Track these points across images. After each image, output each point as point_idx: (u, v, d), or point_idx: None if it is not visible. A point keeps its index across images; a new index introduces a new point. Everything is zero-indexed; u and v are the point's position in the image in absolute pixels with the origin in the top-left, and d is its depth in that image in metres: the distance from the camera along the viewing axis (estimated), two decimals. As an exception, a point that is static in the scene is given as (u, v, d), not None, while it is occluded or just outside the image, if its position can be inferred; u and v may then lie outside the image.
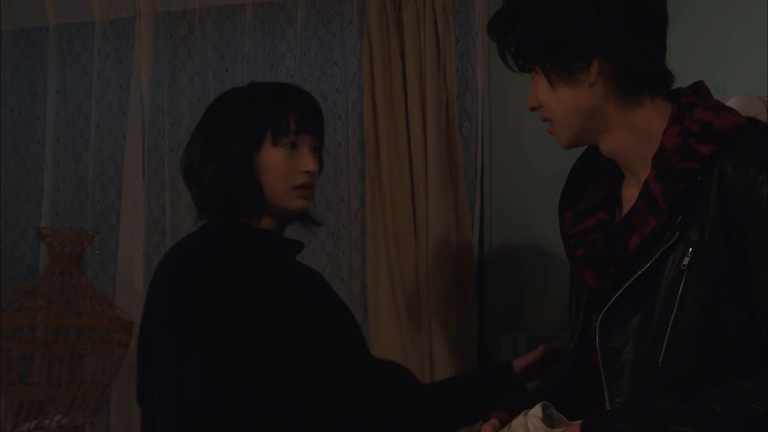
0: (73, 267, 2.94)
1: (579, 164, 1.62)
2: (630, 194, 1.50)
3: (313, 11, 3.00)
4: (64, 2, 3.27)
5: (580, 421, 1.39)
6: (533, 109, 1.53)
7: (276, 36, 3.05)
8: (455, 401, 1.81)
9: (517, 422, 1.45)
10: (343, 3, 2.96)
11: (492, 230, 2.85)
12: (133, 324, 3.05)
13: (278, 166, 1.77)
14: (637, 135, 1.47)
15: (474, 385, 1.86)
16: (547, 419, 1.43)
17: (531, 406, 1.46)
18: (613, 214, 1.54)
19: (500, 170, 2.86)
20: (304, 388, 1.61)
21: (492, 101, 2.84)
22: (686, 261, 1.38)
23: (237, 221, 1.76)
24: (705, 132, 1.41)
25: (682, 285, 1.38)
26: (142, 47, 3.17)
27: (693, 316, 1.37)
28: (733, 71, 2.44)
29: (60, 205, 3.25)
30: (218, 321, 1.60)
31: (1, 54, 3.34)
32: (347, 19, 2.96)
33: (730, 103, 2.21)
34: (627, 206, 1.50)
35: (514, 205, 2.83)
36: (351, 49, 2.94)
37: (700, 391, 1.33)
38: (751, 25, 2.49)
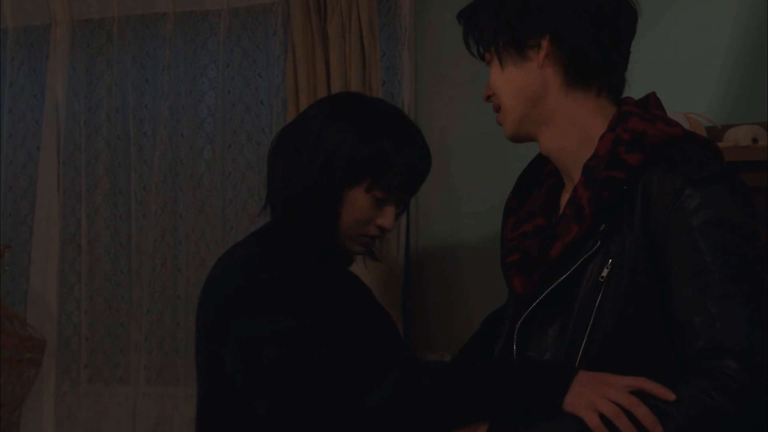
0: (-18, 284, 2.82)
1: (528, 170, 1.60)
2: (565, 200, 1.48)
3: (237, 21, 2.94)
4: (-25, 8, 3.16)
5: (486, 423, 1.37)
6: (488, 98, 1.52)
7: (198, 46, 2.99)
8: None
9: None
10: (267, 14, 2.91)
11: (418, 246, 2.82)
12: (45, 342, 2.95)
13: (359, 212, 1.65)
14: (576, 134, 1.45)
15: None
16: None
17: None
18: (550, 220, 1.52)
19: (426, 185, 2.83)
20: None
21: (418, 115, 2.82)
22: (605, 273, 1.36)
23: (299, 233, 1.65)
24: (636, 141, 1.39)
25: (599, 297, 1.36)
26: (57, 56, 3.08)
27: (609, 329, 1.35)
28: (661, 88, 2.45)
29: (-31, 218, 3.12)
30: (286, 324, 1.52)
31: None
32: (271, 30, 2.91)
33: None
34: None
35: (441, 221, 2.80)
36: (275, 61, 2.89)
37: None
38: (680, 42, 2.50)
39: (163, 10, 2.99)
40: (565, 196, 1.50)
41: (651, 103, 1.49)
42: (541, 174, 1.59)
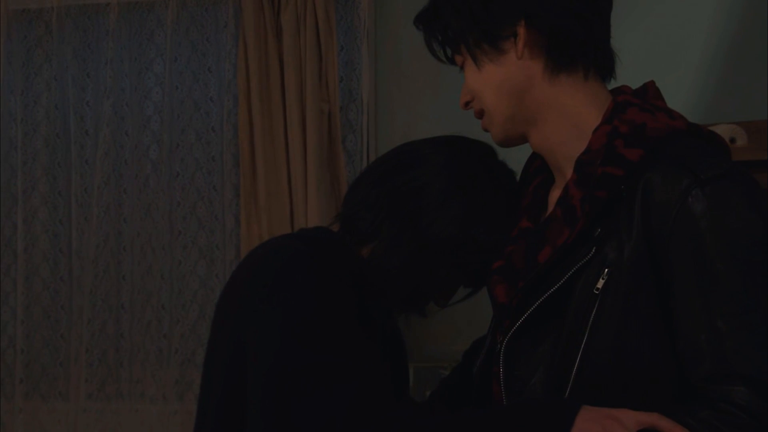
0: None
1: (522, 171, 1.48)
2: (555, 198, 1.35)
3: (185, 13, 2.87)
4: None
5: None
6: (466, 104, 1.41)
7: (144, 39, 2.92)
8: None
9: None
10: (218, 5, 2.85)
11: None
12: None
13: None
14: (568, 127, 1.33)
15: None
16: None
17: None
18: (537, 221, 1.39)
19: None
20: None
21: (378, 113, 2.77)
22: (600, 284, 1.23)
23: (347, 248, 1.50)
24: (635, 134, 1.26)
25: (594, 311, 1.23)
26: (-8, 48, 2.98)
27: (605, 348, 1.22)
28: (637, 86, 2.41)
29: None
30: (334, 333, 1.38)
31: None
32: (222, 23, 2.85)
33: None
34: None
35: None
36: (226, 55, 2.83)
37: None
38: (656, 40, 2.48)
39: (105, 0, 2.91)
40: (554, 194, 1.37)
41: (650, 93, 1.36)
42: (528, 172, 1.47)
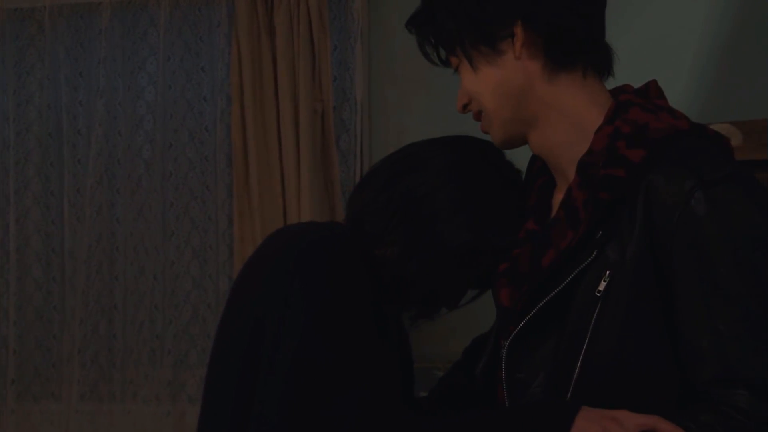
0: None
1: (527, 171, 1.46)
2: (558, 201, 1.34)
3: (178, 12, 2.86)
4: None
5: None
6: (464, 107, 1.38)
7: (137, 38, 2.92)
8: None
9: None
10: (211, 4, 2.84)
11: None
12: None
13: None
14: (569, 127, 1.31)
15: None
16: None
17: None
18: (543, 223, 1.37)
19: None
20: None
21: (372, 113, 2.77)
22: (602, 286, 1.22)
23: (364, 246, 1.48)
24: (637, 135, 1.24)
25: (596, 314, 1.22)
26: (-17, 48, 2.96)
27: (607, 350, 1.22)
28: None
29: None
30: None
31: None
32: (215, 22, 2.85)
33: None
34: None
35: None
36: (219, 55, 2.83)
37: None
38: (650, 39, 2.47)
39: (98, 0, 2.89)
40: (558, 197, 1.35)
41: (652, 92, 1.34)
42: (531, 172, 1.46)
